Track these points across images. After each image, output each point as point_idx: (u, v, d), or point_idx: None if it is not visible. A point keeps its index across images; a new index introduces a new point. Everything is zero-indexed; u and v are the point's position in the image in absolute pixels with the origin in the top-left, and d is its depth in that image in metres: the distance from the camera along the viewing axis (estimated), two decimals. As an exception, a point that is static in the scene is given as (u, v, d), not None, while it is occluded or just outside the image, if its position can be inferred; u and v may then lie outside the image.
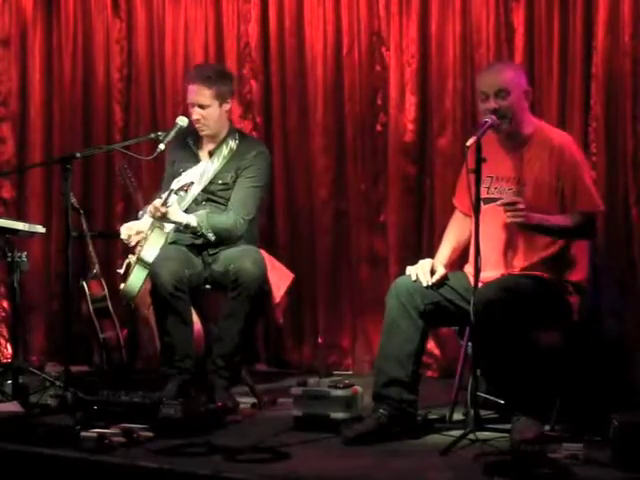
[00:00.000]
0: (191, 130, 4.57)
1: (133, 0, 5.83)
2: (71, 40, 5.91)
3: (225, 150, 4.57)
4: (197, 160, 4.59)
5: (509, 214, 3.62)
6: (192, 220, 4.38)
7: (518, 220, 3.62)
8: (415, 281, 3.81)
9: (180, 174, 4.58)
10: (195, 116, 4.51)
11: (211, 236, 4.40)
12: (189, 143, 4.62)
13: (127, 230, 4.51)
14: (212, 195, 4.52)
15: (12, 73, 5.96)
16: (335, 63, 5.40)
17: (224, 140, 4.59)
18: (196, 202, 4.48)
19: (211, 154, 4.57)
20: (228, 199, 4.52)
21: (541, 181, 3.76)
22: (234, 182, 4.51)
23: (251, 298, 4.24)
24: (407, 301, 3.77)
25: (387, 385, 3.76)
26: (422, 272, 3.82)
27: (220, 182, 4.50)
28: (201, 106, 4.50)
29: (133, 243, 4.50)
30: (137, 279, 4.39)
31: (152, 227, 4.43)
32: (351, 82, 5.36)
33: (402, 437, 3.71)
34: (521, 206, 3.61)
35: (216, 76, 4.56)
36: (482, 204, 3.72)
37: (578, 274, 3.79)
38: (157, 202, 4.31)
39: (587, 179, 3.81)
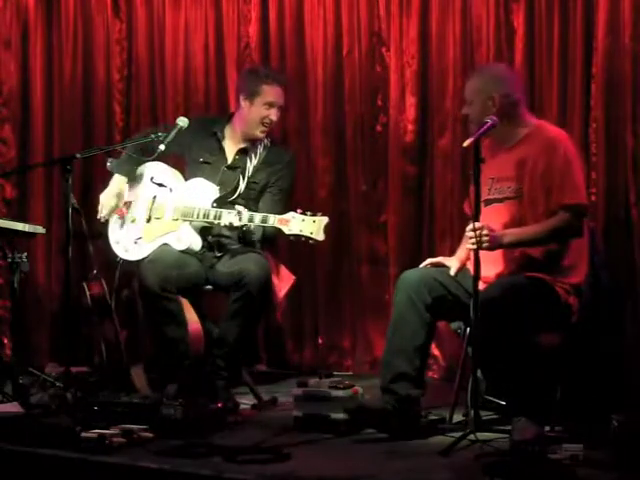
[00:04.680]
0: (221, 123, 4.57)
1: (133, 0, 5.83)
2: (71, 41, 5.91)
3: (260, 148, 4.56)
4: (222, 153, 4.56)
5: (471, 241, 3.62)
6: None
7: (483, 247, 3.61)
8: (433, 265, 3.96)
9: (200, 163, 4.55)
10: (275, 117, 4.50)
11: (257, 236, 4.39)
12: (217, 134, 4.58)
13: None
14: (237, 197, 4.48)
15: (13, 74, 5.96)
16: (335, 63, 5.40)
17: (259, 139, 4.57)
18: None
19: (243, 152, 4.54)
20: (251, 199, 4.49)
21: (536, 177, 3.77)
22: (263, 186, 4.49)
23: (254, 299, 4.23)
24: (415, 293, 3.79)
25: (395, 380, 3.78)
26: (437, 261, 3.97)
27: (251, 180, 4.50)
28: (281, 107, 4.53)
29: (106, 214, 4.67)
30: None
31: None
32: (351, 82, 5.36)
33: (402, 437, 3.71)
34: (485, 232, 3.61)
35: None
36: (483, 205, 3.75)
37: (577, 276, 3.78)
38: (233, 220, 4.15)
39: (577, 175, 3.78)
